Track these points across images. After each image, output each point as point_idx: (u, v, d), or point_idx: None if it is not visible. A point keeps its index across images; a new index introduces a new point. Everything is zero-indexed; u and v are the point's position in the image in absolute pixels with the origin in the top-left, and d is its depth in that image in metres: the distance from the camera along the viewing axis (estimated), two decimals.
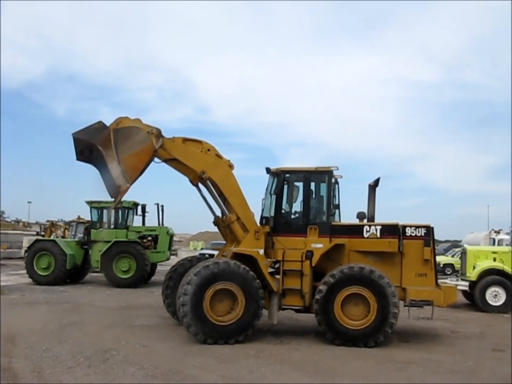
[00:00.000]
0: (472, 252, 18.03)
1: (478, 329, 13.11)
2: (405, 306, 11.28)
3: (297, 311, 11.62)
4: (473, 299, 17.24)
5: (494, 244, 25.41)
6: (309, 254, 11.16)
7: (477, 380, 8.31)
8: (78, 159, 11.38)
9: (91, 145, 11.05)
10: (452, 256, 34.25)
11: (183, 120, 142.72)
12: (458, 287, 17.67)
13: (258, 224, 11.69)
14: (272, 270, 11.53)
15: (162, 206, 24.49)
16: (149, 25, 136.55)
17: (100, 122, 11.16)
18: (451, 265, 32.56)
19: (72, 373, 7.99)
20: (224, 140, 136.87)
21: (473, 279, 17.10)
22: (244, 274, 10.46)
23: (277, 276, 11.33)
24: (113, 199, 11.29)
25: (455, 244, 45.17)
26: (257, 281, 10.57)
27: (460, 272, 19.51)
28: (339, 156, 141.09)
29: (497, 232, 27.58)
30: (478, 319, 15.18)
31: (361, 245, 11.43)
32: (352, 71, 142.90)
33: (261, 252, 11.22)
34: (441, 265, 33.09)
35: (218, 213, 12.31)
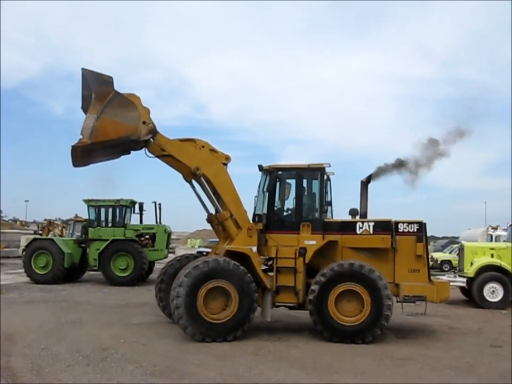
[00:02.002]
0: (470, 248, 18.06)
1: (476, 326, 13.14)
2: (397, 302, 11.32)
3: (290, 308, 11.63)
4: (471, 295, 17.26)
5: (491, 240, 25.47)
6: (302, 251, 11.17)
7: (475, 376, 8.34)
8: (82, 106, 11.42)
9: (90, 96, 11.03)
10: (450, 252, 34.31)
11: (180, 118, 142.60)
12: (456, 284, 17.75)
13: (251, 222, 11.70)
14: (265, 267, 11.53)
15: (159, 204, 24.54)
16: (145, 22, 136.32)
17: (111, 77, 11.16)
18: (449, 262, 32.61)
19: (70, 371, 8.00)
20: (221, 138, 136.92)
21: (471, 275, 17.13)
22: (234, 270, 10.44)
23: (270, 273, 11.34)
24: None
25: (453, 240, 45.18)
26: (248, 275, 10.55)
27: (458, 268, 19.54)
28: (336, 153, 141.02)
29: (495, 229, 27.64)
30: (476, 315, 15.21)
31: (354, 242, 11.46)
32: (349, 67, 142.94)
33: (254, 249, 11.21)
34: (439, 262, 33.16)
35: (212, 210, 12.31)
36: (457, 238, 41.69)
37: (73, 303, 15.93)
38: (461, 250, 18.63)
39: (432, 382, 7.94)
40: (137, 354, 9.14)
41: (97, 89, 10.98)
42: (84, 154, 11.02)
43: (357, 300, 10.62)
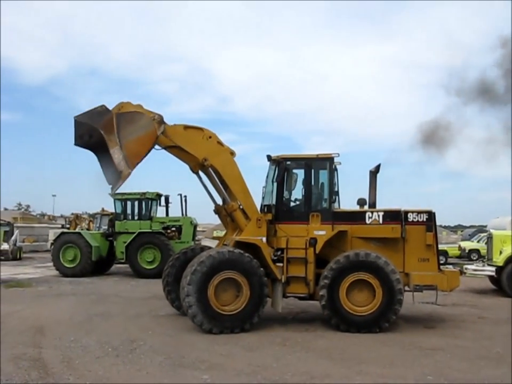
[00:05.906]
0: (499, 237, 17.77)
1: (506, 315, 12.92)
2: (405, 291, 11.21)
3: (301, 298, 11.62)
4: (500, 284, 17.00)
5: None
6: (313, 241, 11.12)
7: (506, 365, 8.19)
8: (76, 143, 11.13)
9: (92, 130, 10.77)
10: (478, 241, 33.80)
11: (204, 110, 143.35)
12: (485, 273, 17.53)
13: (260, 212, 11.65)
14: (274, 258, 11.44)
15: (185, 196, 24.61)
16: (168, 16, 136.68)
17: (102, 106, 10.93)
18: (477, 251, 32.12)
19: (100, 362, 8.11)
20: (245, 130, 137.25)
21: (500, 264, 16.86)
22: (238, 258, 10.36)
23: (279, 264, 11.25)
24: (111, 186, 10.92)
25: (481, 229, 44.50)
26: (255, 260, 10.47)
27: (486, 257, 19.24)
28: (359, 143, 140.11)
29: None
30: (506, 304, 14.94)
31: (363, 231, 11.39)
32: (371, 56, 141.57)
33: (264, 240, 11.18)
34: (467, 251, 32.71)
35: (219, 201, 12.24)
36: (485, 226, 40.98)
37: (102, 295, 16.14)
38: (490, 239, 18.33)
39: (463, 372, 7.83)
40: (165, 346, 9.22)
41: (101, 124, 10.68)
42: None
43: (368, 288, 10.60)
